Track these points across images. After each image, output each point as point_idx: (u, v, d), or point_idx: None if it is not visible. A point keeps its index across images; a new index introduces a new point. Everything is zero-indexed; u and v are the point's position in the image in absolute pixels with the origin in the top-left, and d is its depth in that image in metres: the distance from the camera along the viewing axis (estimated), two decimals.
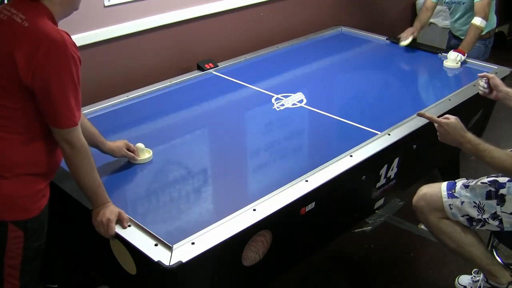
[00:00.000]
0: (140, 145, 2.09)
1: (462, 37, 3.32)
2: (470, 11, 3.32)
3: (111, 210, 1.66)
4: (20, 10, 1.54)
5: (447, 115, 2.00)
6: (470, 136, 1.96)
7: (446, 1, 3.45)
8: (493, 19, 3.41)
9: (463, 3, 3.34)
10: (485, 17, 3.18)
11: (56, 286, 1.87)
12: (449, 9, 3.52)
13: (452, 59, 3.08)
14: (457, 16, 3.46)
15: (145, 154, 2.10)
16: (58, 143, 1.60)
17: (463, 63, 3.10)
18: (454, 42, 3.54)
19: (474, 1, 3.21)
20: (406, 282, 2.53)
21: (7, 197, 1.58)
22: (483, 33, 3.28)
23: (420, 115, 2.10)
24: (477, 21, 3.17)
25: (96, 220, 1.66)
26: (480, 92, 2.27)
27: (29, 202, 1.62)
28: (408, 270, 2.61)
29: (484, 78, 2.23)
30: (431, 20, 4.24)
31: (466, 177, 2.17)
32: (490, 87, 2.22)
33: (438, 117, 2.04)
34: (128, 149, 2.05)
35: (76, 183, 1.65)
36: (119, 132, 2.28)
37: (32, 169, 1.61)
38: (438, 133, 2.01)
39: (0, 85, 1.54)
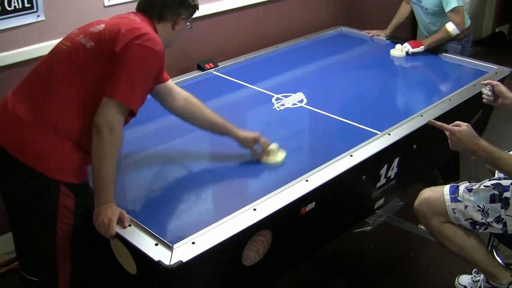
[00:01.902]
0: (274, 146, 2.07)
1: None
2: (434, 18, 3.35)
3: (112, 210, 1.66)
4: (138, 17, 1.83)
5: (458, 122, 1.93)
6: (484, 143, 1.89)
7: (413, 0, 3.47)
8: (466, 18, 3.39)
9: (425, 9, 3.35)
10: (460, 25, 3.20)
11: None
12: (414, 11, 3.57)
13: (398, 48, 3.27)
14: (422, 21, 3.48)
15: (279, 156, 2.07)
16: (96, 127, 1.62)
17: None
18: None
19: (446, 11, 3.21)
20: (406, 282, 2.53)
21: (62, 157, 1.67)
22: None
23: (431, 123, 2.01)
24: (450, 27, 3.20)
25: (98, 220, 1.66)
26: (485, 100, 2.20)
27: (78, 168, 1.71)
28: (408, 270, 2.61)
29: (488, 86, 2.16)
30: None
31: (469, 180, 2.16)
32: (495, 94, 2.16)
33: (441, 118, 2.00)
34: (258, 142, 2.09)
35: (94, 171, 1.65)
36: None
37: (79, 140, 1.69)
38: (449, 141, 1.94)
39: (100, 49, 1.69)
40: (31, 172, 1.65)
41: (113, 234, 1.64)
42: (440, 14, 3.29)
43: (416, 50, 3.23)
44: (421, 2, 3.35)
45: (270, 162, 2.06)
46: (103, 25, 1.74)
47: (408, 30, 4.76)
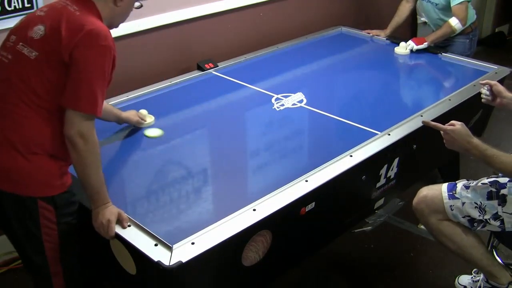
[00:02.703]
0: (143, 111, 2.37)
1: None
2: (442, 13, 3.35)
3: (111, 211, 1.66)
4: (74, 3, 1.66)
5: (452, 122, 1.98)
6: (476, 141, 1.93)
7: None
8: (472, 12, 3.40)
9: (436, 4, 3.35)
10: (463, 20, 3.21)
11: None
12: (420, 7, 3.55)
13: (402, 46, 3.26)
14: (432, 17, 3.48)
15: (148, 118, 2.35)
16: (70, 140, 1.58)
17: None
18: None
19: (451, 5, 3.22)
20: (406, 282, 2.53)
21: (30, 174, 1.62)
22: (466, 26, 3.31)
23: (425, 123, 2.06)
24: (453, 21, 3.21)
25: (96, 221, 1.66)
26: (483, 100, 2.23)
27: (52, 179, 1.66)
28: (408, 270, 2.61)
29: (487, 86, 2.19)
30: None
31: (467, 178, 2.17)
32: (493, 94, 2.19)
33: (440, 118, 2.02)
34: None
35: (81, 180, 1.64)
36: (119, 132, 2.28)
37: (50, 150, 1.63)
38: (444, 141, 1.99)
39: (45, 58, 1.60)
40: (5, 195, 1.63)
41: (113, 235, 1.64)
42: (449, 10, 3.29)
43: (420, 47, 3.23)
44: None
45: (147, 123, 2.34)
46: (41, 28, 1.62)
47: (408, 30, 4.76)
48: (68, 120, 1.58)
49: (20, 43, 1.64)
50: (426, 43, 3.24)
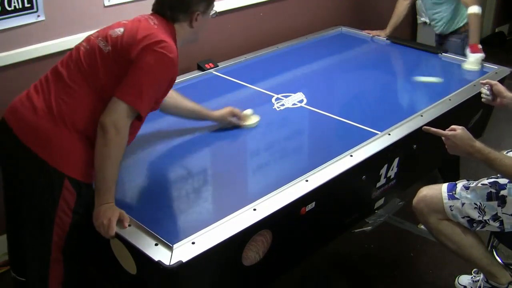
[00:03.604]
0: (248, 111, 2.37)
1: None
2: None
3: (112, 211, 1.66)
4: (156, 19, 1.84)
5: (453, 126, 1.96)
6: (479, 145, 1.92)
7: None
8: (465, 13, 3.39)
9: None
10: (476, 3, 3.16)
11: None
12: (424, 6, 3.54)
13: (473, 61, 3.02)
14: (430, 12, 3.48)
15: (252, 119, 2.35)
16: (103, 126, 1.63)
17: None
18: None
19: None
20: (406, 282, 2.53)
21: (70, 149, 1.68)
22: (460, 25, 3.34)
23: (426, 130, 2.04)
24: (474, 9, 3.16)
25: (97, 220, 1.66)
26: (484, 100, 2.23)
27: (87, 164, 1.70)
28: (408, 270, 2.61)
29: (487, 85, 2.19)
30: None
31: (467, 179, 2.17)
32: (494, 94, 2.19)
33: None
34: (234, 115, 2.32)
35: (96, 172, 1.66)
36: None
37: (93, 137, 1.68)
38: (446, 146, 1.98)
39: (115, 54, 1.73)
40: (37, 160, 1.66)
41: (113, 234, 1.64)
42: (445, 3, 3.29)
43: (483, 54, 3.07)
44: None
45: (247, 124, 2.33)
46: (122, 29, 1.78)
47: (408, 30, 4.77)
48: (109, 107, 1.66)
49: (100, 38, 1.78)
50: (479, 45, 3.10)
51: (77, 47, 1.81)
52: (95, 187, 1.69)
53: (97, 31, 1.85)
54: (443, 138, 1.98)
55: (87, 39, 1.83)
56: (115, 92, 1.67)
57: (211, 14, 1.98)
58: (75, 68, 1.75)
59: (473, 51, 3.08)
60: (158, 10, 1.88)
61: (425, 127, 2.05)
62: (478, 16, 3.18)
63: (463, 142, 1.93)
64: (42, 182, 1.68)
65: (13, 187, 1.76)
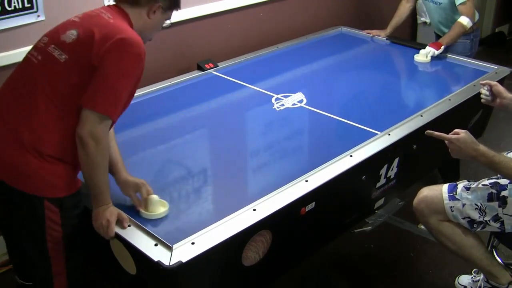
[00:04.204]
0: (154, 197, 1.77)
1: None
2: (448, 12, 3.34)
3: (111, 211, 1.66)
4: (109, 12, 1.70)
5: (456, 130, 1.96)
6: (483, 148, 1.92)
7: None
8: (474, 12, 3.40)
9: (439, 3, 3.35)
10: (472, 17, 3.19)
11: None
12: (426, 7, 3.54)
13: (423, 53, 3.14)
14: (436, 18, 3.47)
15: (159, 208, 1.77)
16: (80, 139, 1.57)
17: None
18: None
19: (457, 4, 3.21)
20: (406, 282, 2.53)
21: (39, 173, 1.62)
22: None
23: (428, 134, 2.02)
24: (464, 20, 3.18)
25: (97, 221, 1.66)
26: (483, 101, 2.23)
27: (61, 180, 1.65)
28: (408, 270, 2.61)
29: (487, 86, 2.19)
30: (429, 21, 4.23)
31: (467, 179, 2.16)
32: (493, 94, 2.19)
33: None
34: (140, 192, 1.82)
35: (86, 180, 1.64)
36: (119, 132, 2.27)
37: (61, 153, 1.63)
38: (450, 150, 1.98)
39: (74, 62, 1.61)
40: (13, 191, 1.62)
41: (112, 235, 1.64)
42: (452, 9, 3.29)
43: (440, 51, 3.15)
44: None
45: (146, 213, 1.76)
46: (74, 32, 1.64)
47: (408, 30, 4.76)
48: (82, 119, 1.58)
49: (52, 45, 1.65)
50: (443, 47, 3.16)
51: (28, 59, 1.68)
52: (90, 193, 1.67)
53: (46, 36, 1.70)
54: (446, 142, 1.97)
55: (38, 48, 1.68)
56: (84, 103, 1.57)
57: (165, 21, 1.86)
58: (30, 83, 1.63)
59: (431, 45, 3.16)
60: None
61: (428, 131, 2.03)
62: (465, 28, 3.20)
63: (467, 146, 1.93)
64: (24, 208, 1.65)
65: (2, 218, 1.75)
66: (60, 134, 1.62)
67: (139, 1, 1.74)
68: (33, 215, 1.65)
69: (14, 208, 1.67)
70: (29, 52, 1.71)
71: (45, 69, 1.64)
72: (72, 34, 1.64)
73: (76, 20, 1.70)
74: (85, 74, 1.59)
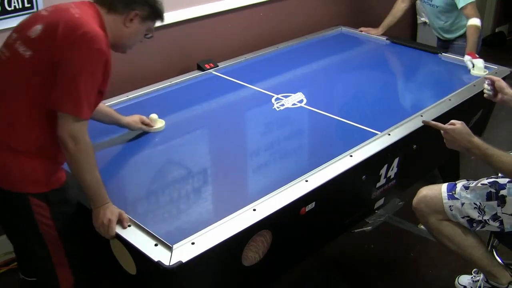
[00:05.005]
0: (154, 115, 2.30)
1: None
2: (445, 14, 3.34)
3: (111, 211, 1.66)
4: (78, 7, 1.66)
5: (452, 121, 1.97)
6: (477, 141, 1.93)
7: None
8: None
9: (436, 6, 3.34)
10: (478, 17, 3.19)
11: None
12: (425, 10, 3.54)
13: (480, 67, 2.95)
14: (432, 21, 3.48)
15: (158, 123, 2.31)
16: (61, 141, 1.58)
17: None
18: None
19: (459, 7, 3.20)
20: (406, 282, 2.53)
21: (19, 170, 1.62)
22: (466, 30, 3.30)
23: (425, 123, 2.06)
24: (476, 21, 3.17)
25: (97, 221, 1.66)
26: (485, 95, 2.24)
27: (42, 176, 1.65)
28: (408, 270, 2.61)
29: (488, 80, 2.21)
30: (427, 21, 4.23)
31: (467, 179, 2.17)
32: (495, 89, 2.20)
33: (440, 118, 2.02)
34: (143, 123, 2.24)
35: (78, 181, 1.64)
36: (119, 132, 2.27)
37: (38, 148, 1.63)
38: (445, 140, 1.98)
39: (38, 58, 1.59)
40: (1, 190, 1.64)
41: (113, 235, 1.64)
42: (450, 12, 3.29)
43: (479, 59, 3.01)
44: (431, 0, 3.34)
45: (155, 128, 2.30)
46: (39, 27, 1.61)
47: (408, 30, 4.77)
48: (59, 121, 1.58)
49: (18, 42, 1.63)
50: (476, 55, 3.06)
51: None
52: (85, 195, 1.67)
53: (16, 31, 1.67)
54: (441, 131, 1.99)
55: (6, 45, 1.66)
56: (51, 104, 1.56)
57: (147, 33, 1.84)
58: (1, 84, 1.63)
59: (475, 58, 3.04)
60: None
61: (424, 120, 2.06)
62: (479, 29, 3.19)
63: (462, 137, 1.93)
64: (12, 206, 1.66)
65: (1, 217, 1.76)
66: (33, 129, 1.62)
67: (115, 8, 1.71)
68: (22, 211, 1.66)
69: (5, 206, 1.69)
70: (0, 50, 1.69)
71: (12, 66, 1.63)
72: (37, 29, 1.61)
73: (44, 14, 1.67)
74: (49, 70, 1.57)
